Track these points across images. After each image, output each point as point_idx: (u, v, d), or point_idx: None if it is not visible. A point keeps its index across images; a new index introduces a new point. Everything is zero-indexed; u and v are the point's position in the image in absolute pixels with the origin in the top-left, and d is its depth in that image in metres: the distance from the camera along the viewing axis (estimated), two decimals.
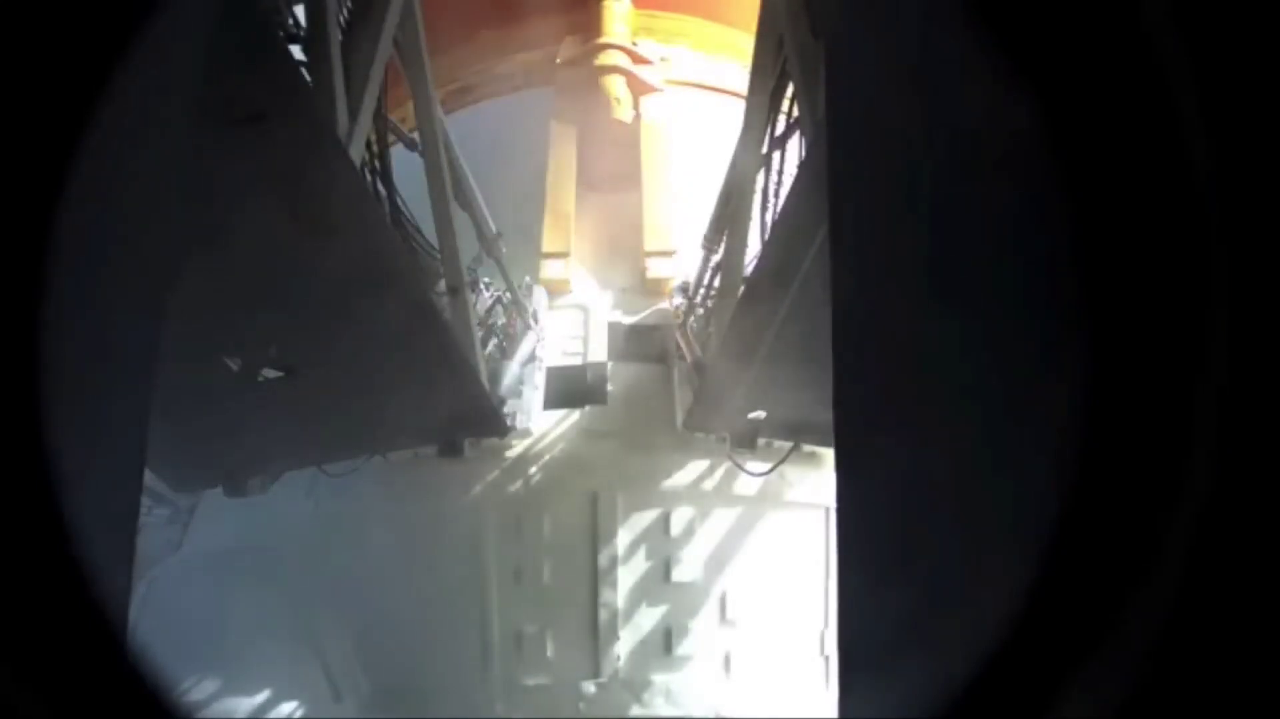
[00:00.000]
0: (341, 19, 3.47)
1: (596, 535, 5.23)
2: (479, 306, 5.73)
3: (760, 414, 4.82)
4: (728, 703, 5.01)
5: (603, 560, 5.19)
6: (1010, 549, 1.13)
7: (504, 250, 5.83)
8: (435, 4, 4.73)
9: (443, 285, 4.81)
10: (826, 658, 5.22)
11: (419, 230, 4.82)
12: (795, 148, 4.00)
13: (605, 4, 7.88)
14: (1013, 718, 1.05)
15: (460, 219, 5.01)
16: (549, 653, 5.08)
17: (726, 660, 5.12)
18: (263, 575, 5.54)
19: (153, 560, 6.23)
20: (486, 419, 5.08)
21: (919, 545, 1.35)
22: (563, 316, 6.38)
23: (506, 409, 5.41)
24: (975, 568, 1.21)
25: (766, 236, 4.24)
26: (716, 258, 5.38)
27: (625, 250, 6.86)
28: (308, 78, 3.03)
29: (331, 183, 3.05)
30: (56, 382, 1.13)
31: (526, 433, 5.53)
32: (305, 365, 3.96)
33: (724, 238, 4.98)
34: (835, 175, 1.77)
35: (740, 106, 4.57)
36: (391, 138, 4.28)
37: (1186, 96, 0.91)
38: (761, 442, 5.02)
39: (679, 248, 6.52)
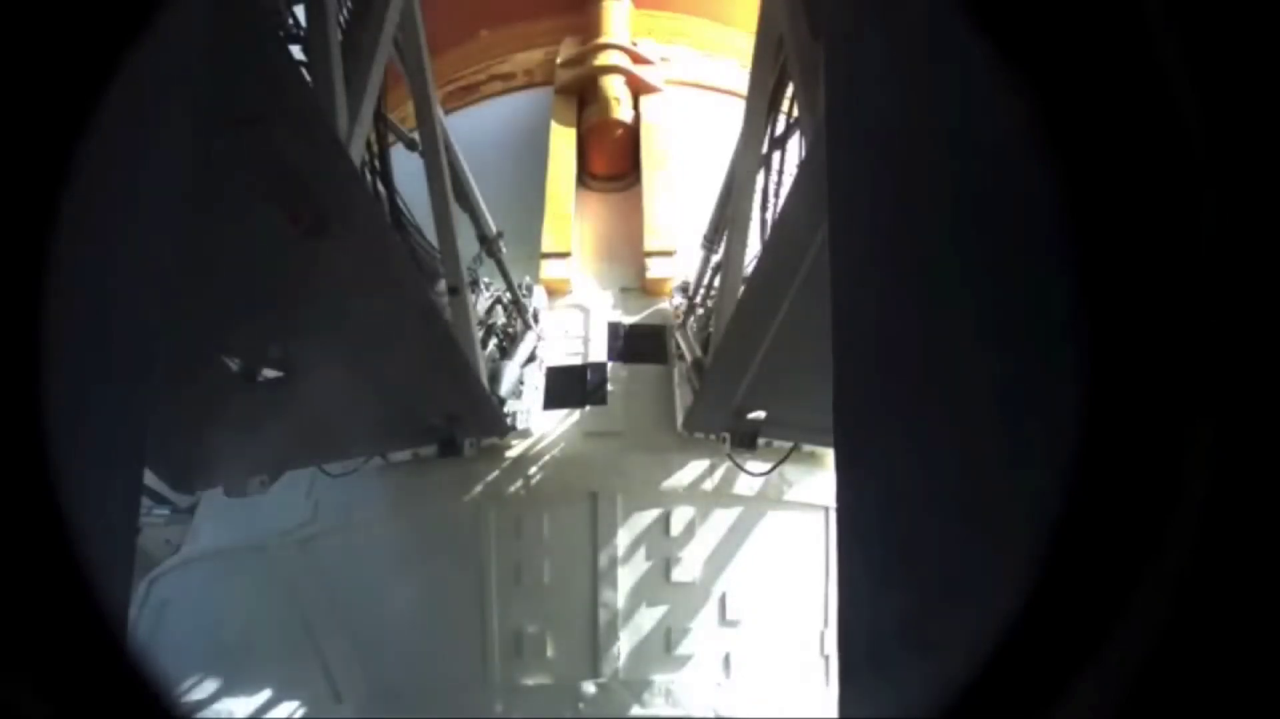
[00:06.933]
0: (341, 19, 3.48)
1: (596, 535, 5.22)
2: (479, 306, 5.73)
3: (760, 414, 4.82)
4: (727, 703, 5.01)
5: (603, 560, 5.19)
6: (1010, 549, 1.13)
7: (504, 250, 5.82)
8: (435, 4, 4.73)
9: (443, 285, 4.82)
10: (826, 658, 5.22)
11: (419, 230, 4.83)
12: (795, 148, 4.00)
13: (605, 4, 7.89)
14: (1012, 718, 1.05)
15: (460, 219, 5.01)
16: (549, 653, 5.07)
17: (726, 660, 5.11)
18: (263, 575, 5.54)
19: (153, 560, 6.24)
20: (486, 419, 5.08)
21: (918, 545, 1.35)
22: (563, 316, 6.38)
23: (507, 409, 5.41)
24: (975, 568, 1.21)
25: (766, 236, 4.24)
26: (716, 258, 5.38)
27: (625, 250, 6.86)
28: (308, 78, 3.03)
29: (331, 183, 3.05)
30: (56, 382, 1.13)
31: (526, 433, 5.52)
32: (305, 365, 3.96)
33: (724, 238, 4.98)
34: (835, 175, 1.77)
35: (740, 106, 4.57)
36: (391, 138, 4.28)
37: (1187, 97, 0.91)
38: (761, 442, 5.02)
39: (679, 248, 6.52)
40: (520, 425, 5.46)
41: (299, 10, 3.21)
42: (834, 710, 1.50)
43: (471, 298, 5.23)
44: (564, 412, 5.78)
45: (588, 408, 5.82)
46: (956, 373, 1.31)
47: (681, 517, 5.30)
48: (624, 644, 5.07)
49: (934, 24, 1.31)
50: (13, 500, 1.07)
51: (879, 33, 1.56)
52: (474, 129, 7.08)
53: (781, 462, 5.23)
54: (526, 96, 7.86)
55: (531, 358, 5.93)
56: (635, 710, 4.94)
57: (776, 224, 3.90)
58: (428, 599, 5.25)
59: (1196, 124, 0.91)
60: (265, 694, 5.19)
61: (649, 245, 6.62)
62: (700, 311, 5.84)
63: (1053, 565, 1.01)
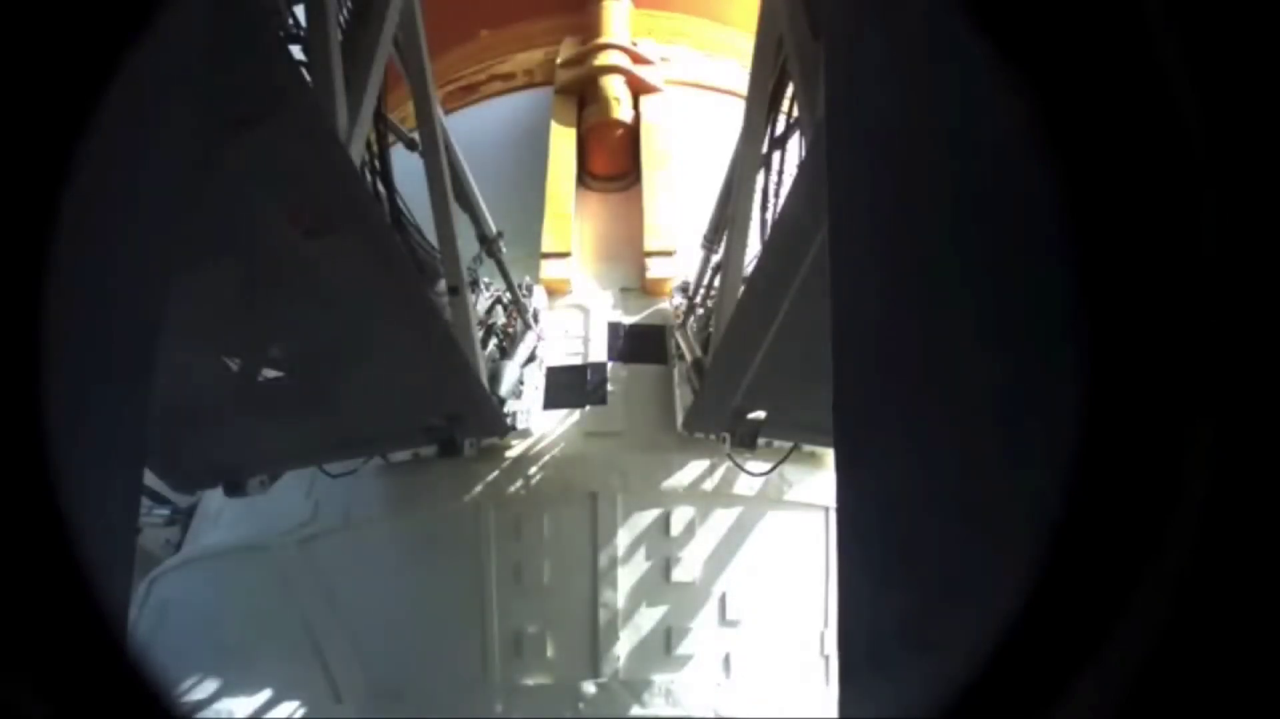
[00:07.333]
0: (341, 19, 3.48)
1: (596, 535, 5.22)
2: (479, 306, 5.73)
3: (760, 414, 4.82)
4: (727, 703, 5.01)
5: (603, 560, 5.19)
6: (1010, 549, 1.13)
7: (504, 250, 5.82)
8: (435, 4, 4.73)
9: (443, 285, 4.82)
10: (826, 658, 5.22)
11: (419, 230, 4.83)
12: (795, 148, 4.00)
13: (605, 4, 7.89)
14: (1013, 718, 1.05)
15: (460, 219, 5.01)
16: (549, 653, 5.07)
17: (726, 661, 5.11)
18: (263, 575, 5.54)
19: (153, 560, 6.24)
20: (486, 419, 5.08)
21: (919, 545, 1.35)
22: (563, 316, 6.38)
23: (507, 409, 5.41)
24: (975, 568, 1.21)
25: (766, 236, 4.24)
26: (716, 258, 5.38)
27: (625, 250, 6.86)
28: (308, 78, 3.03)
29: (331, 183, 3.05)
30: (56, 382, 1.13)
31: (526, 433, 5.52)
32: (305, 365, 3.96)
33: (724, 238, 4.98)
34: (835, 175, 1.77)
35: (740, 106, 4.57)
36: (391, 138, 4.28)
37: (1187, 97, 0.91)
38: (761, 442, 5.02)
39: (679, 248, 6.52)
40: (520, 425, 5.46)
41: (299, 10, 3.21)
42: (834, 710, 1.50)
43: (471, 298, 5.22)
44: (564, 411, 5.78)
45: (588, 408, 5.82)
46: (956, 373, 1.31)
47: (681, 517, 5.30)
48: (624, 644, 5.07)
49: (934, 24, 1.31)
50: (13, 500, 1.07)
51: (879, 33, 1.56)
52: (474, 129, 7.09)
53: (781, 462, 5.23)
54: (526, 96, 7.86)
55: (531, 358, 5.93)
56: (635, 710, 4.94)
57: (776, 224, 3.90)
58: (428, 599, 5.25)
59: (1196, 124, 0.91)
60: (265, 694, 5.19)
61: (649, 245, 6.62)
62: (700, 311, 5.84)
63: (1053, 565, 1.01)
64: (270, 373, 3.89)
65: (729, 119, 5.69)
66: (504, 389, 5.47)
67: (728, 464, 5.34)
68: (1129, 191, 0.97)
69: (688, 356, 5.65)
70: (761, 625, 5.20)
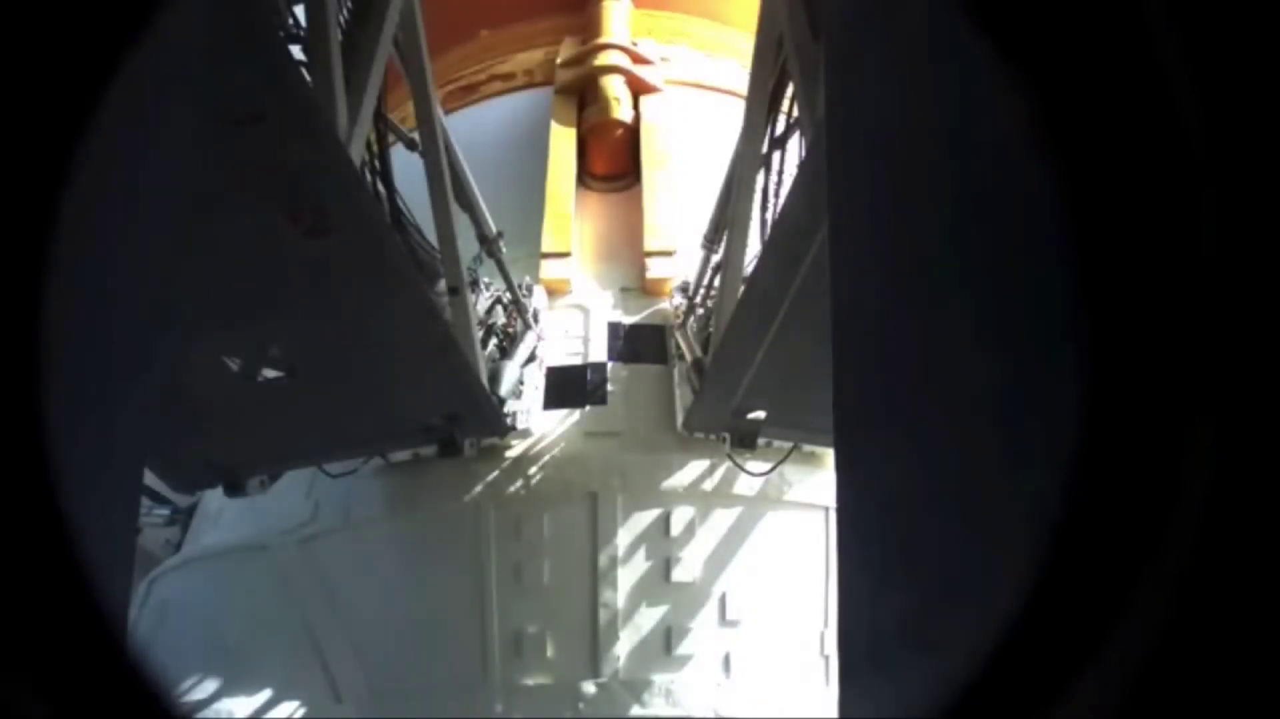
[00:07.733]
0: (341, 19, 3.48)
1: (596, 535, 5.22)
2: (479, 306, 5.73)
3: (760, 414, 4.82)
4: (727, 703, 5.01)
5: (603, 560, 5.19)
6: (1010, 549, 1.13)
7: (504, 250, 5.83)
8: (435, 4, 4.73)
9: (443, 285, 4.82)
10: (826, 658, 5.22)
11: (419, 230, 4.83)
12: (795, 148, 4.01)
13: (605, 4, 7.89)
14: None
15: (460, 219, 5.01)
16: (549, 653, 5.07)
17: (726, 661, 5.11)
18: (263, 575, 5.54)
19: (153, 560, 6.24)
20: (486, 419, 5.08)
21: (919, 545, 1.35)
22: (563, 316, 6.38)
23: (507, 409, 5.41)
24: (975, 568, 1.21)
25: (766, 236, 4.24)
26: (716, 258, 5.38)
27: (625, 250, 6.86)
28: (308, 78, 3.04)
29: (331, 183, 3.05)
30: (56, 382, 1.13)
31: (526, 433, 5.52)
32: (305, 365, 3.96)
33: (724, 238, 4.98)
34: (835, 175, 1.77)
35: (740, 106, 4.58)
36: (391, 138, 4.28)
37: (1187, 97, 0.91)
38: (761, 442, 5.02)
39: (679, 248, 6.52)
40: (520, 425, 5.46)
41: (299, 10, 3.21)
42: (834, 710, 1.50)
43: (471, 298, 5.22)
44: (564, 411, 5.78)
45: (588, 408, 5.82)
46: (956, 373, 1.31)
47: (681, 517, 5.30)
48: (624, 644, 5.07)
49: (934, 24, 1.31)
50: (13, 500, 1.07)
51: (879, 33, 1.56)
52: (474, 129, 7.09)
53: (781, 462, 5.23)
54: (526, 96, 7.86)
55: (531, 358, 5.93)
56: (635, 710, 4.94)
57: (776, 224, 3.90)
58: (428, 599, 5.25)
59: (1196, 124, 0.91)
60: (265, 694, 5.19)
61: (649, 245, 6.62)
62: (700, 311, 5.84)
63: (1053, 565, 1.01)
64: (270, 373, 3.89)
65: (729, 119, 5.69)
66: (504, 389, 5.47)
67: (728, 464, 5.33)
68: (1129, 192, 0.97)
69: (688, 356, 5.66)
70: (761, 625, 5.20)
